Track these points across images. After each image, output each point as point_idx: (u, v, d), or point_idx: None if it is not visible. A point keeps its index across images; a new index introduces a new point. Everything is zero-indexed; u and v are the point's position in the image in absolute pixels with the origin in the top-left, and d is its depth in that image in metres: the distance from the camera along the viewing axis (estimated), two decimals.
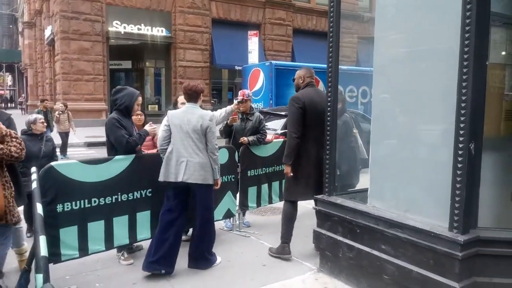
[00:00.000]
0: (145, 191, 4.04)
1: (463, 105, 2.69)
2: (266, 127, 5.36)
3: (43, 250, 2.22)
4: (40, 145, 4.72)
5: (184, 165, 3.71)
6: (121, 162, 3.91)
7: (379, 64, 3.47)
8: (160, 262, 3.72)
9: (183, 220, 3.89)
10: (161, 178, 3.81)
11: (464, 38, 2.67)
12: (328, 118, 3.80)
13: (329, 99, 3.79)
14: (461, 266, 2.71)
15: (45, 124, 5.01)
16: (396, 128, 3.35)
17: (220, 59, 19.75)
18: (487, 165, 3.00)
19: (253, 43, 17.33)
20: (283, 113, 9.50)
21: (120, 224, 3.88)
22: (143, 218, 4.04)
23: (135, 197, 3.97)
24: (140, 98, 4.12)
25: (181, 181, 3.71)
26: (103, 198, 3.76)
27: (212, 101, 21.36)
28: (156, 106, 20.74)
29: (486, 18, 2.73)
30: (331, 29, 3.71)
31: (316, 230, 3.85)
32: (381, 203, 3.41)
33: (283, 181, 5.56)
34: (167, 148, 3.83)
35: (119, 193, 3.87)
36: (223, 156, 4.72)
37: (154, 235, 4.06)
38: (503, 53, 3.30)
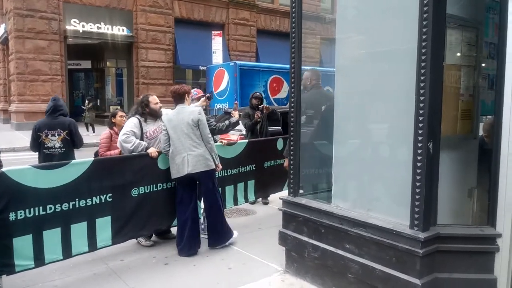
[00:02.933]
0: (104, 196, 3.89)
1: (421, 105, 2.75)
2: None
3: None
4: None
5: (186, 159, 4.18)
6: (78, 167, 3.75)
7: (340, 65, 3.50)
8: (184, 250, 4.27)
9: (195, 208, 4.39)
10: (173, 176, 4.29)
11: (421, 39, 2.73)
12: (292, 119, 3.80)
13: (292, 99, 3.78)
14: (422, 263, 2.77)
15: None
16: (358, 128, 3.39)
17: (184, 59, 19.48)
18: (445, 163, 3.08)
19: (217, 43, 17.22)
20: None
21: (78, 231, 3.72)
22: (104, 224, 3.89)
23: (94, 203, 3.82)
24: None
25: (187, 173, 4.18)
26: (59, 205, 3.59)
27: None
28: (118, 107, 20.19)
29: (442, 20, 2.81)
30: (293, 30, 3.71)
31: (281, 231, 3.84)
32: (345, 202, 3.44)
33: (249, 182, 5.57)
34: (169, 150, 4.28)
35: (77, 199, 3.71)
36: None
37: (116, 242, 3.96)
38: (458, 54, 3.40)
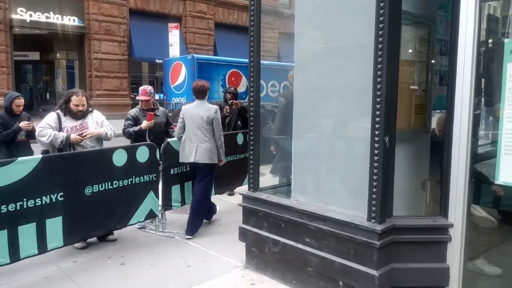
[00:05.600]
0: (55, 195, 3.68)
1: (378, 100, 2.80)
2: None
3: None
4: None
5: (195, 149, 4.58)
6: (25, 164, 3.53)
7: (299, 60, 3.50)
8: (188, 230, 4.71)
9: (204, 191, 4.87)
10: (180, 160, 4.73)
11: (378, 35, 2.77)
12: (251, 113, 3.77)
13: (251, 93, 3.75)
14: (379, 254, 2.83)
15: None
16: (316, 123, 3.40)
17: (139, 52, 18.89)
18: (399, 156, 3.16)
19: (174, 36, 16.85)
20: None
21: (27, 233, 3.50)
22: (54, 224, 3.69)
23: (43, 202, 3.61)
24: (17, 101, 5.02)
25: (192, 161, 4.60)
26: (5, 206, 3.36)
27: (131, 95, 20.44)
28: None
29: (398, 17, 2.86)
30: (252, 23, 3.66)
31: (241, 227, 3.81)
32: (304, 196, 3.46)
33: None
34: (182, 136, 4.69)
35: (25, 199, 3.48)
36: (143, 154, 4.49)
37: (68, 243, 3.78)
38: (411, 50, 3.49)
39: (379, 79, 2.79)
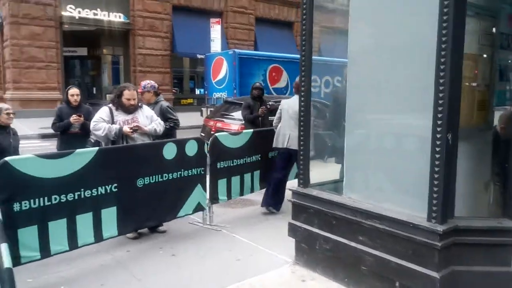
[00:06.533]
0: (110, 186, 3.81)
1: (441, 95, 2.67)
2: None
3: (7, 261, 1.95)
4: (9, 139, 4.36)
5: (288, 137, 5.17)
6: (83, 156, 3.67)
7: (353, 55, 3.40)
8: (269, 203, 5.41)
9: (286, 174, 5.50)
10: (274, 145, 5.35)
11: (441, 27, 2.65)
12: (302, 109, 3.72)
13: (302, 89, 3.70)
14: (440, 256, 2.72)
15: (12, 115, 4.48)
16: (370, 119, 3.32)
17: (181, 47, 19.25)
18: (461, 155, 3.02)
19: (215, 31, 17.00)
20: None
21: (84, 222, 3.64)
22: (109, 214, 3.82)
23: (99, 193, 3.74)
24: (71, 91, 5.38)
25: (285, 147, 5.19)
26: (64, 195, 3.50)
27: (173, 90, 20.87)
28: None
29: (463, 7, 2.71)
30: (304, 17, 3.60)
31: (291, 223, 3.78)
32: (357, 194, 3.38)
33: (255, 172, 5.50)
34: (278, 125, 5.37)
35: (82, 189, 3.62)
36: (192, 148, 4.55)
37: (121, 232, 3.90)
38: (475, 43, 3.32)
39: (441, 73, 2.66)
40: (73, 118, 5.11)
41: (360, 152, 3.42)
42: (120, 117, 4.40)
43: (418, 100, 2.93)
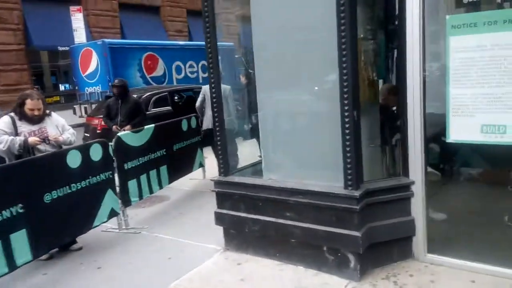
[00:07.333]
0: (15, 208, 3.39)
1: (345, 77, 3.03)
2: None
3: None
4: None
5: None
6: None
7: (259, 41, 3.59)
8: None
9: None
10: (204, 127, 5.91)
11: (340, 17, 2.98)
12: (214, 100, 3.81)
13: (212, 80, 3.77)
14: (358, 217, 3.15)
15: None
16: (283, 101, 3.57)
17: (38, 40, 17.18)
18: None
19: (77, 20, 15.59)
20: (134, 95, 9.02)
21: None
22: (19, 239, 3.42)
23: (4, 217, 3.31)
24: None
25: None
26: None
27: (35, 88, 18.66)
28: None
29: None
30: (205, 8, 3.64)
31: (217, 211, 3.88)
32: (277, 174, 3.65)
33: (161, 168, 5.43)
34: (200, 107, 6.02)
35: None
36: (96, 152, 4.30)
37: (36, 255, 3.55)
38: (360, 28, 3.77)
39: (344, 59, 3.01)
40: None
41: (276, 135, 3.67)
42: (24, 127, 3.96)
43: (324, 80, 3.26)
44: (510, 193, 3.98)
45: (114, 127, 6.25)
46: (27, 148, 3.92)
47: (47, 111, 4.18)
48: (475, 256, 3.17)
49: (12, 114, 4.00)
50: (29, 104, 3.95)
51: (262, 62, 3.62)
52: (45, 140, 3.99)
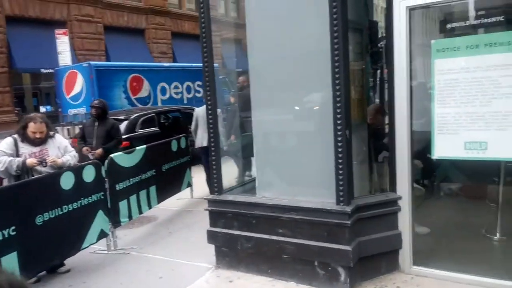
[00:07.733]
0: (7, 230, 3.36)
1: (338, 99, 3.18)
2: None
3: None
4: None
5: (207, 137, 4.60)
6: None
7: (254, 65, 3.73)
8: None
9: None
10: (196, 146, 6.33)
11: (333, 43, 3.13)
12: (210, 117, 3.89)
13: (208, 100, 3.87)
14: (349, 232, 3.24)
15: None
16: (277, 121, 3.69)
17: (22, 63, 17.07)
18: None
19: (63, 43, 15.58)
20: (121, 117, 9.04)
21: None
22: (10, 262, 3.35)
23: None
24: None
25: (205, 145, 5.52)
26: None
27: (16, 111, 18.42)
28: None
29: (346, 23, 3.24)
30: (203, 30, 3.76)
31: (210, 230, 3.91)
32: (270, 192, 3.73)
33: (151, 188, 5.44)
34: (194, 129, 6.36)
35: None
36: (89, 174, 4.30)
37: (25, 278, 3.49)
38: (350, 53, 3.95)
39: (337, 81, 3.16)
40: None
41: (269, 153, 3.78)
42: (26, 149, 3.98)
43: (318, 102, 3.40)
44: (488, 206, 4.16)
45: (84, 149, 5.79)
46: (25, 169, 3.93)
47: (51, 133, 4.21)
48: (458, 267, 3.31)
49: (16, 135, 4.04)
50: (31, 127, 4.00)
51: (257, 84, 3.75)
52: (42, 162, 3.99)
